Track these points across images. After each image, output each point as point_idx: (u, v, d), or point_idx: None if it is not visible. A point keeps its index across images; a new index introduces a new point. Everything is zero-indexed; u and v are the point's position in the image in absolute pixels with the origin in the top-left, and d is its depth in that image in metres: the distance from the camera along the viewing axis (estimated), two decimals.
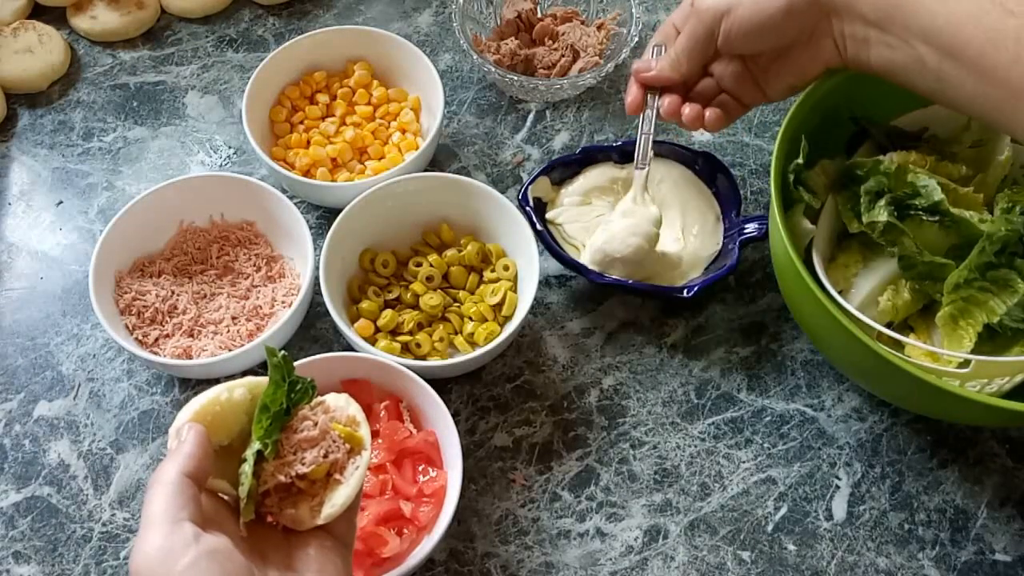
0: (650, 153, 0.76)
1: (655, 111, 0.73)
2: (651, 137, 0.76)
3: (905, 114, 0.77)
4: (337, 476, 0.50)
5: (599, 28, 0.92)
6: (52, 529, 0.70)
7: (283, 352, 0.51)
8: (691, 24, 0.70)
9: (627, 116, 0.90)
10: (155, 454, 0.73)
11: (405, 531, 0.66)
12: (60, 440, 0.74)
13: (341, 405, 0.52)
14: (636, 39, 0.88)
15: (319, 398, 0.52)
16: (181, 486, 0.45)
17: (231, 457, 0.50)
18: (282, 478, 0.48)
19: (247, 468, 0.48)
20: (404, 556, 0.65)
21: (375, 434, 0.67)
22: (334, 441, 0.50)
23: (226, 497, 0.50)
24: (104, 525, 0.70)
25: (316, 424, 0.50)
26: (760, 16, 0.65)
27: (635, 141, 0.76)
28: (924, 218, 0.69)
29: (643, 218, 0.76)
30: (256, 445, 0.49)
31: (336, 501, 0.49)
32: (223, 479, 0.49)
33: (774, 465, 0.73)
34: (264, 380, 0.51)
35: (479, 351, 0.72)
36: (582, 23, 0.93)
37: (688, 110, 0.72)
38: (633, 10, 0.90)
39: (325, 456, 0.49)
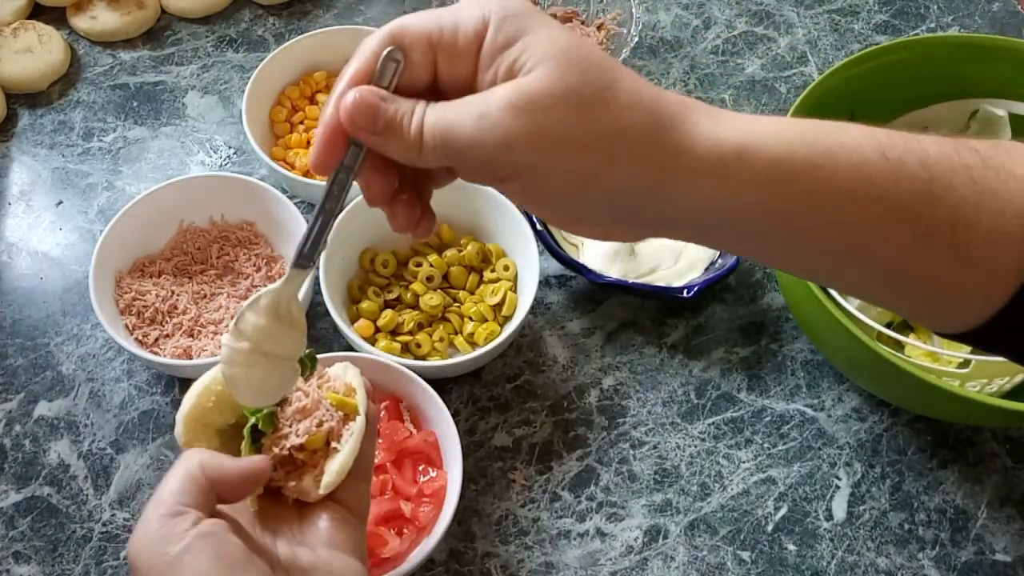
0: (326, 239, 0.44)
1: (354, 172, 0.42)
2: (336, 214, 0.44)
3: (905, 114, 0.77)
4: (335, 445, 0.49)
5: (599, 28, 0.92)
6: (52, 529, 0.70)
7: None
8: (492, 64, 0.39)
9: None
10: (155, 454, 0.73)
11: (405, 531, 0.66)
12: (60, 440, 0.74)
13: (338, 374, 0.51)
14: (636, 39, 0.88)
15: (326, 369, 0.52)
16: (195, 476, 0.45)
17: (239, 436, 0.49)
18: (277, 450, 0.48)
19: (244, 445, 0.48)
20: (404, 556, 0.65)
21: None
22: (327, 410, 0.49)
23: None
24: (104, 525, 0.70)
25: (307, 394, 0.50)
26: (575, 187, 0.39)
27: None
28: None
29: (284, 350, 0.46)
30: (250, 420, 0.48)
31: (332, 469, 0.48)
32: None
33: (774, 465, 0.73)
34: None
35: (479, 351, 0.72)
36: (582, 23, 0.93)
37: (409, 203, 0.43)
38: (633, 10, 0.90)
39: (319, 425, 0.48)
